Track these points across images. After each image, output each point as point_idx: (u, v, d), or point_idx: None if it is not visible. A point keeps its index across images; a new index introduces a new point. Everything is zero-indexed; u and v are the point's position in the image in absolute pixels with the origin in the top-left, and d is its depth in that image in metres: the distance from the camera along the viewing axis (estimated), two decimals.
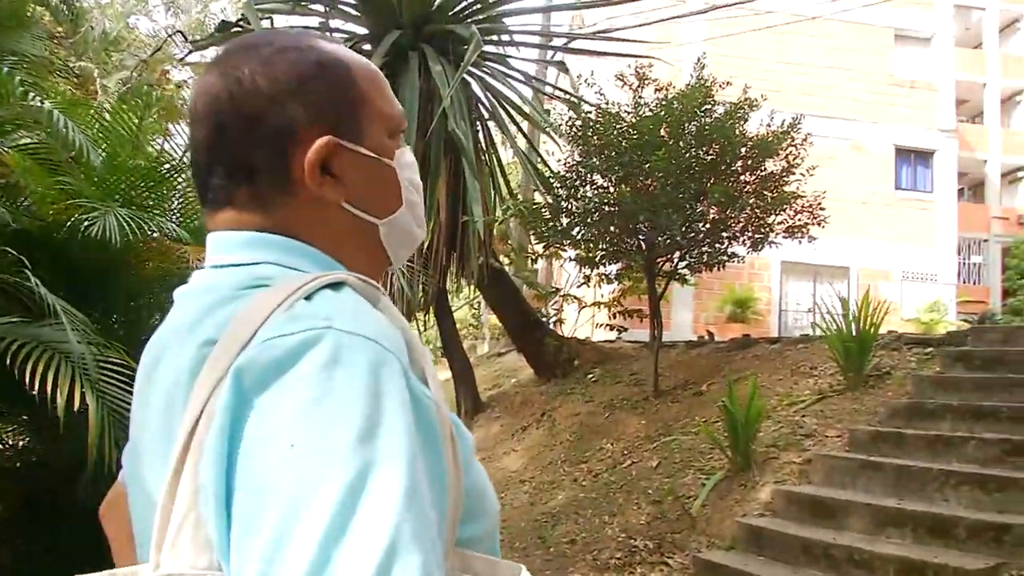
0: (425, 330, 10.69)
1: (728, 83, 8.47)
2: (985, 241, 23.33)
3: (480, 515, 0.77)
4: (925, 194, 18.67)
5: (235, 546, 0.58)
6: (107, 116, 4.17)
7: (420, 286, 8.19)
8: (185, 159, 4.35)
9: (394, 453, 0.59)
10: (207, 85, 0.79)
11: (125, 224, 3.10)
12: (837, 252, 16.06)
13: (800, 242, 8.59)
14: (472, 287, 11.52)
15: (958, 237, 19.72)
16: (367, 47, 8.48)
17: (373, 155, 0.81)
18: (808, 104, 15.57)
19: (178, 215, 4.21)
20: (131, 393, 2.56)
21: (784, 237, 8.60)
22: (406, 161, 0.86)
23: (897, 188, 18.46)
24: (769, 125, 8.40)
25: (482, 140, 9.29)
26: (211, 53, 9.94)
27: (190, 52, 9.47)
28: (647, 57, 8.70)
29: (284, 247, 0.77)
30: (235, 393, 0.62)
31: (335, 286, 0.72)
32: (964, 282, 21.35)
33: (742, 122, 8.20)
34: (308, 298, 0.68)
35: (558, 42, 10.89)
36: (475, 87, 9.19)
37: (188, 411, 0.65)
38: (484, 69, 9.10)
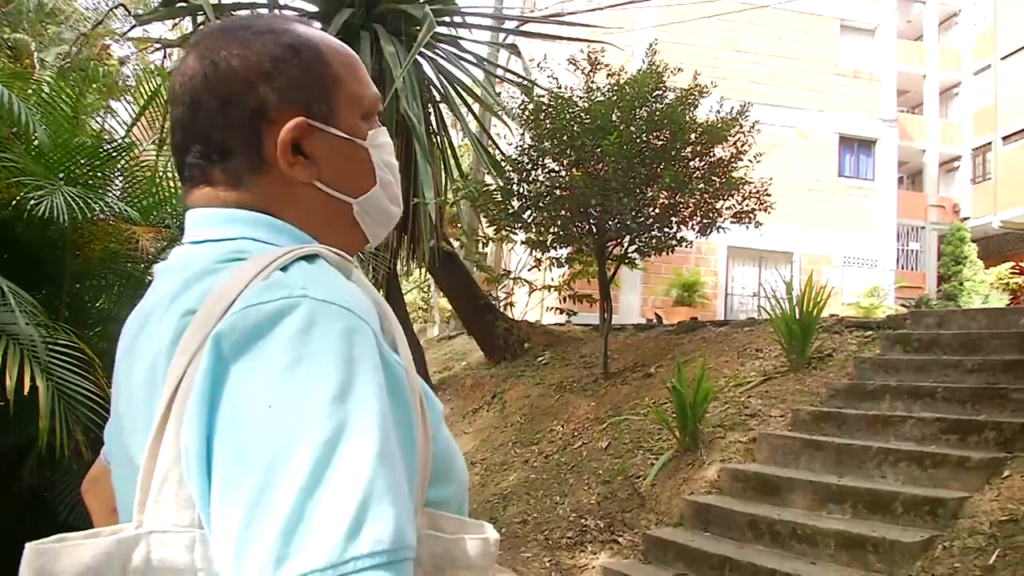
0: None
1: (679, 70, 8.56)
2: (922, 228, 24.08)
3: (448, 479, 0.79)
4: (867, 182, 19.14)
5: (216, 503, 0.60)
6: (46, 90, 4.03)
7: (371, 268, 8.14)
8: (129, 138, 4.26)
9: (367, 414, 0.61)
10: (185, 67, 0.81)
11: (73, 203, 3.02)
12: (781, 237, 16.38)
13: (748, 227, 8.75)
14: (423, 270, 11.48)
15: (897, 224, 20.29)
16: (317, 25, 8.33)
17: (345, 136, 0.83)
18: (756, 92, 15.79)
19: (125, 195, 4.11)
20: (81, 375, 2.49)
21: (732, 222, 8.75)
22: (380, 142, 0.88)
23: (840, 175, 18.88)
24: (718, 112, 8.52)
25: (433, 122, 9.23)
26: (156, 28, 9.68)
27: (133, 27, 9.18)
28: (599, 42, 8.74)
29: (261, 223, 0.79)
30: (214, 358, 0.64)
31: (310, 258, 0.74)
32: (902, 268, 22.01)
33: (692, 108, 8.30)
34: (284, 269, 0.71)
35: (510, 25, 10.87)
36: (427, 68, 9.12)
37: (169, 377, 0.67)
38: (436, 50, 9.04)
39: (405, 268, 10.82)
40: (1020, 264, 7.95)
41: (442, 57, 9.08)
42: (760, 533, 4.69)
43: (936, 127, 25.26)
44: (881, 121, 19.07)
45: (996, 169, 23.97)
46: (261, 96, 0.79)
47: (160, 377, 0.69)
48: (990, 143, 24.26)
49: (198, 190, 0.82)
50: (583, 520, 5.80)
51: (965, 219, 23.85)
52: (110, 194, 3.99)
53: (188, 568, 0.64)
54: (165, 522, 0.65)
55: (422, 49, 7.82)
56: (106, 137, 4.25)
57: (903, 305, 17.45)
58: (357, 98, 0.85)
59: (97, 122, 4.57)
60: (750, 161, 8.55)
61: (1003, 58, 23.76)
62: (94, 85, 4.43)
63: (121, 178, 4.09)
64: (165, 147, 4.36)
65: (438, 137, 9.30)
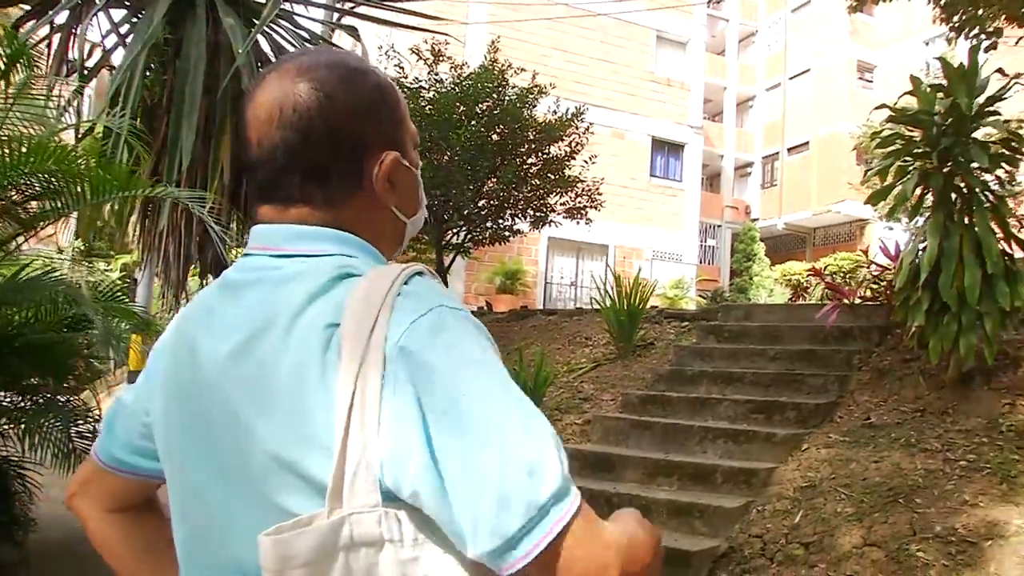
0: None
1: (522, 69, 8.90)
2: (719, 227, 26.31)
3: None
4: (675, 182, 20.61)
5: (459, 470, 0.76)
6: None
7: (209, 255, 7.82)
8: None
9: (518, 391, 0.81)
10: (291, 93, 0.90)
11: None
12: (598, 231, 17.27)
13: (579, 223, 9.27)
14: None
15: (699, 222, 22.04)
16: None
17: (412, 167, 0.99)
18: (579, 91, 16.55)
19: None
20: None
21: (564, 218, 9.24)
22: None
23: (652, 175, 20.22)
24: (555, 112, 8.96)
25: None
26: None
27: None
28: (434, 32, 8.87)
29: (348, 242, 0.92)
30: (404, 365, 0.79)
31: (419, 273, 0.89)
32: (701, 262, 23.93)
33: (531, 107, 8.68)
34: (406, 283, 0.85)
35: (347, 6, 10.73)
36: (265, 45, 8.85)
37: (341, 382, 0.79)
38: (275, 27, 8.79)
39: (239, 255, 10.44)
40: (815, 267, 8.99)
41: (280, 35, 8.85)
42: (598, 505, 4.98)
43: (733, 135, 27.68)
44: (689, 127, 20.58)
45: (782, 177, 26.67)
46: (364, 130, 0.92)
47: (312, 381, 0.80)
48: (777, 153, 26.93)
49: (294, 208, 0.91)
50: None
51: (755, 220, 26.36)
52: None
53: (379, 539, 0.79)
54: (359, 504, 0.79)
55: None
56: None
57: (702, 296, 19.00)
58: (412, 134, 1.01)
59: None
60: (585, 162, 9.06)
61: (791, 78, 26.40)
62: None
63: None
64: None
65: None
